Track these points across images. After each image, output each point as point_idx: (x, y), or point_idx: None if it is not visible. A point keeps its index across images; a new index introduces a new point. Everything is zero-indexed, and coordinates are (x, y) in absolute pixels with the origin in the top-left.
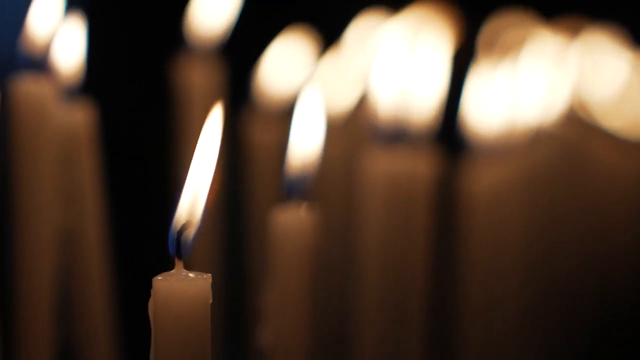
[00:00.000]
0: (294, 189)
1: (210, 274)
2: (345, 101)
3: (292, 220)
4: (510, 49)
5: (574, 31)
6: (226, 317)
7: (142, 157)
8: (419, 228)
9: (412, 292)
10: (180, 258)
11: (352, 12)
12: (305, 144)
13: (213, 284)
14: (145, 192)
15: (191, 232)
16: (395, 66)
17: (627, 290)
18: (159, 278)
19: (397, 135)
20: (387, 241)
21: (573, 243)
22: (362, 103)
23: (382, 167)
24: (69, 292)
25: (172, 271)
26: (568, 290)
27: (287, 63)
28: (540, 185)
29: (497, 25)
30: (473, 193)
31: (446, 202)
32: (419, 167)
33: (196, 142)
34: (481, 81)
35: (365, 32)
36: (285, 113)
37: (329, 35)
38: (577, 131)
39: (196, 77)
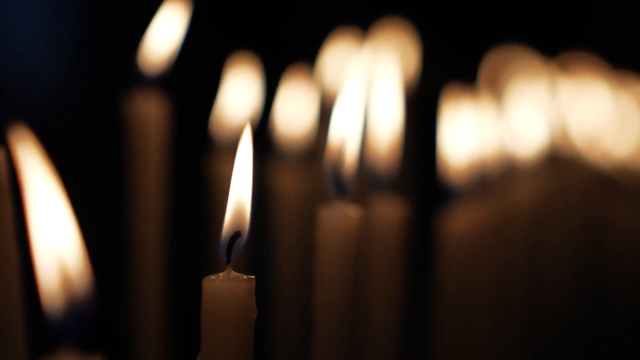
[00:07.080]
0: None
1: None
2: (304, 133)
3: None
4: (503, 85)
5: (560, 66)
6: None
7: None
8: (386, 278)
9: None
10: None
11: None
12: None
13: None
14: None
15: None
16: (360, 102)
17: (611, 339)
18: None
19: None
20: (349, 293)
21: (555, 290)
22: (322, 140)
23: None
24: None
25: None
26: (547, 340)
27: (245, 93)
28: (521, 228)
29: (495, 61)
30: (448, 237)
31: (419, 248)
32: (387, 212)
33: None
34: (459, 118)
35: (338, 61)
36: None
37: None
38: (560, 169)
39: (147, 112)
